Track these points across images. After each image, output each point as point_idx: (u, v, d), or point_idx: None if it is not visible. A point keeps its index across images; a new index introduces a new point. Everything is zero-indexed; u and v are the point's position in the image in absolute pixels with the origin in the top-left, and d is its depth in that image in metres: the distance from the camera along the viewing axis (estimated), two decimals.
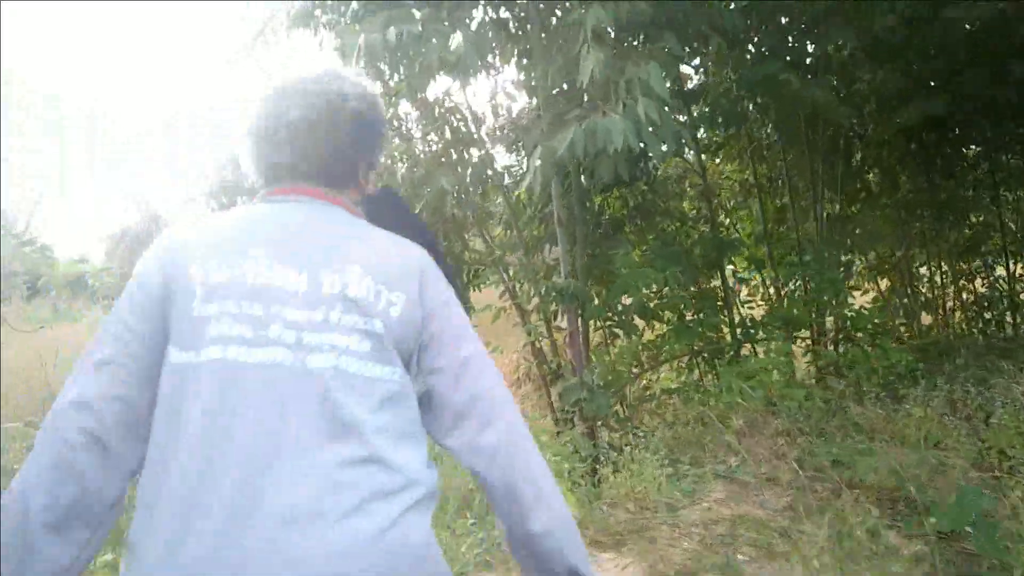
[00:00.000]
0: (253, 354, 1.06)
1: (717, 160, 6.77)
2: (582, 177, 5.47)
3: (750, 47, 5.33)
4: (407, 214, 2.07)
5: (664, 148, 3.49)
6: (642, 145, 3.25)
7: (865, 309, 5.55)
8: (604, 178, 3.49)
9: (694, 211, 6.55)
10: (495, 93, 5.48)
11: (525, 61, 4.76)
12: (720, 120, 5.57)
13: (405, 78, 4.00)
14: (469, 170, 4.95)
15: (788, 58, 4.99)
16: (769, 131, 6.29)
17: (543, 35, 4.18)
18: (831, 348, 5.67)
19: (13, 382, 5.67)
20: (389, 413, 1.11)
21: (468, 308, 4.38)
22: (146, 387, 1.09)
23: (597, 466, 3.44)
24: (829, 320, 5.83)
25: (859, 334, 5.34)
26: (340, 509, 1.01)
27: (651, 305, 5.09)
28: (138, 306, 1.13)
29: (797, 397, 3.90)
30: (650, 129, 3.28)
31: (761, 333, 5.45)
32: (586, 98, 3.92)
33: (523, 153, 5.96)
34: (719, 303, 5.89)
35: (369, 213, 1.34)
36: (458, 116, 5.46)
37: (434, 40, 3.59)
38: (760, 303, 6.24)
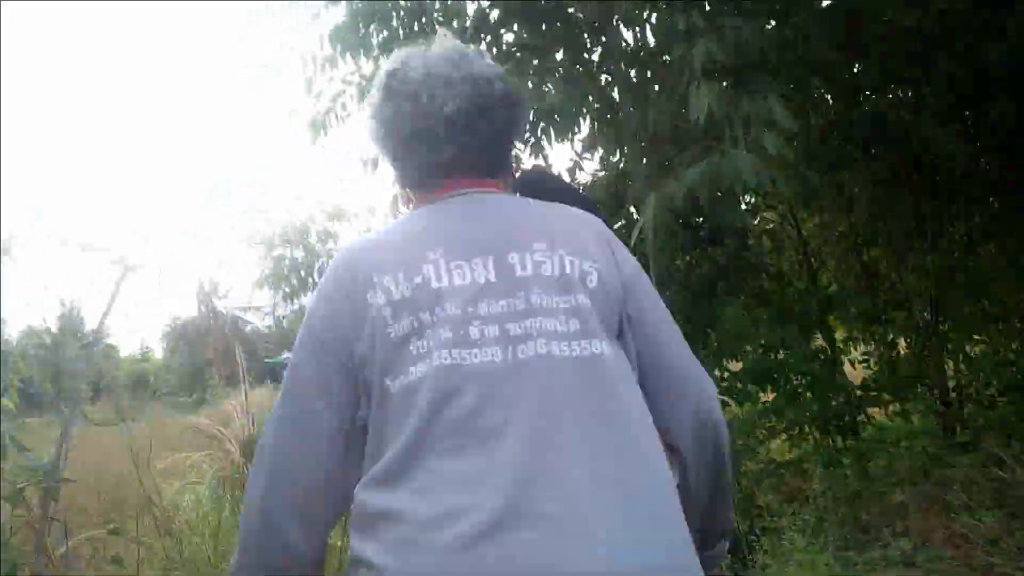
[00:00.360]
0: (461, 359, 0.99)
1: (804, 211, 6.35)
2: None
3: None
4: (567, 188, 1.86)
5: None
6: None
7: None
8: (728, 222, 3.14)
9: (788, 267, 6.11)
10: (578, 154, 5.19)
11: (608, 116, 4.50)
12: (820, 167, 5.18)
13: None
14: None
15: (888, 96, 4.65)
16: (862, 176, 5.87)
17: (634, 78, 3.92)
18: (961, 407, 5.09)
19: (82, 486, 5.44)
20: (626, 396, 1.03)
21: None
22: (339, 442, 1.04)
23: (750, 556, 2.95)
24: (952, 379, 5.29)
25: (995, 392, 4.79)
26: (609, 519, 0.90)
27: (760, 369, 4.63)
28: (319, 359, 1.06)
29: (960, 466, 3.37)
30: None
31: (885, 395, 4.92)
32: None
33: (605, 214, 5.67)
34: (827, 365, 5.38)
35: (528, 194, 1.26)
36: None
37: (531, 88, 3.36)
38: (872, 361, 5.70)
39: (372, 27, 4.32)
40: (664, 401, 1.10)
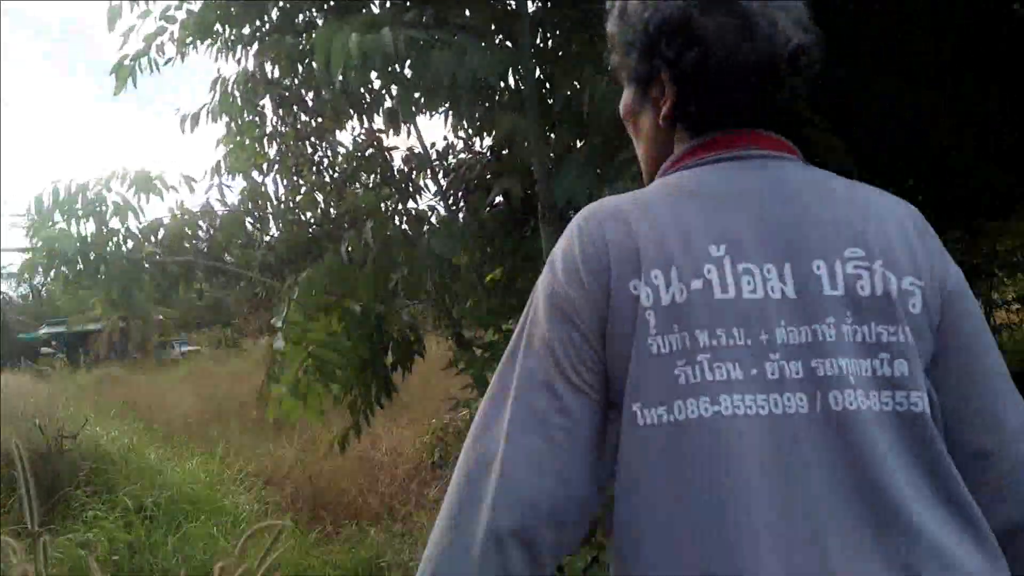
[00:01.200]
0: (757, 407, 0.72)
1: None
2: None
3: None
4: None
5: None
6: None
7: None
8: None
9: None
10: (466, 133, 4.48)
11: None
12: None
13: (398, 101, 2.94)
14: None
15: None
16: None
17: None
18: None
19: None
20: (947, 476, 0.74)
21: None
22: (585, 458, 0.78)
23: None
24: None
25: None
26: None
27: None
28: (571, 341, 0.79)
29: None
30: None
31: None
32: None
33: None
34: None
35: None
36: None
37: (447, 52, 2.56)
38: None
39: None
40: (986, 474, 0.80)
